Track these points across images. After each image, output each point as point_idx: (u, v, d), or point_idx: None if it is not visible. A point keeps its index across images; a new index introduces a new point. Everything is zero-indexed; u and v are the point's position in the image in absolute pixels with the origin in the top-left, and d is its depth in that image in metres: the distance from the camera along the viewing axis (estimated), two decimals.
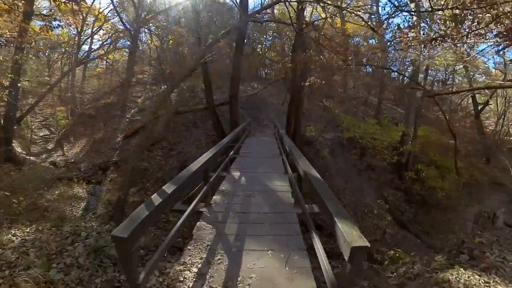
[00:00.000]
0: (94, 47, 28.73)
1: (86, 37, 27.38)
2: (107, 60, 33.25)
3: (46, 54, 26.13)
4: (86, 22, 26.27)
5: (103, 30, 28.52)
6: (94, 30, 27.60)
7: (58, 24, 12.17)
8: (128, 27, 24.32)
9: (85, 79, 30.40)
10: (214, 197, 5.13)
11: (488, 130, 24.79)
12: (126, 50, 29.70)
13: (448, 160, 16.68)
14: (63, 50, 28.32)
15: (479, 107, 22.38)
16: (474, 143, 21.44)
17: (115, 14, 23.94)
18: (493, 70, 23.04)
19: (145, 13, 24.39)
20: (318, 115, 19.15)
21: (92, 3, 25.42)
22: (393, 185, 17.29)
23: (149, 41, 31.67)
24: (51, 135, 20.54)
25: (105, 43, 28.43)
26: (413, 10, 7.68)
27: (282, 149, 9.05)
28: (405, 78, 20.92)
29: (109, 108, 23.87)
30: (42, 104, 21.98)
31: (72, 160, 16.85)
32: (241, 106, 16.91)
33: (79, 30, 26.14)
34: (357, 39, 25.56)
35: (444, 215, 15.98)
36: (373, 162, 16.89)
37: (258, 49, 26.27)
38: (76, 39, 26.02)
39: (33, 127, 20.16)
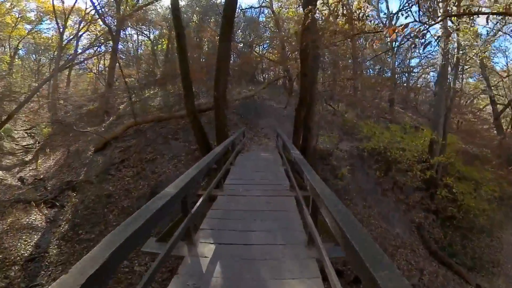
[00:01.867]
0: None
1: (69, 39, 23.63)
2: (99, 64, 29.53)
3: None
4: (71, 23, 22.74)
5: (91, 32, 24.48)
6: (79, 32, 23.53)
7: None
8: (113, 26, 20.18)
9: (69, 84, 26.80)
10: None
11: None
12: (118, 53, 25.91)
13: (475, 170, 12.98)
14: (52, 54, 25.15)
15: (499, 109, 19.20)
16: (491, 148, 17.38)
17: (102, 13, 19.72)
18: None
19: (124, 7, 20.46)
20: (327, 120, 14.94)
21: (75, 3, 21.63)
22: (424, 206, 13.11)
23: (137, 42, 28.25)
24: (34, 145, 17.59)
25: (92, 45, 24.20)
26: None
27: (292, 175, 5.03)
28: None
29: (91, 115, 20.76)
30: (28, 111, 19.69)
31: (42, 176, 13.69)
32: (234, 111, 12.76)
33: (61, 31, 22.36)
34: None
35: (482, 240, 12.20)
36: (400, 178, 12.69)
37: (256, 52, 22.10)
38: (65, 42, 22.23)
39: (17, 136, 18.23)
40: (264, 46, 23.34)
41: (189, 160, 10.43)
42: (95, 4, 18.91)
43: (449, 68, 14.41)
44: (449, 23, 14.56)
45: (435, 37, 13.00)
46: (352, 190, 11.32)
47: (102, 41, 24.01)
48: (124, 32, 25.52)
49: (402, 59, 24.16)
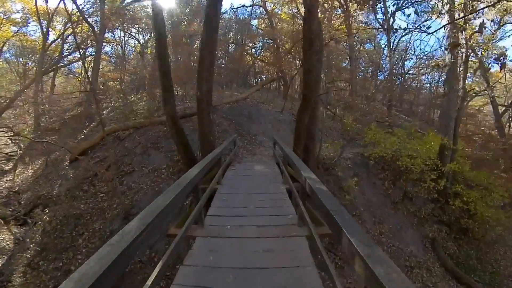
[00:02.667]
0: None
1: (54, 41, 21.66)
2: (88, 67, 27.44)
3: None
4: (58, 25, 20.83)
5: (78, 34, 22.51)
6: (65, 34, 21.61)
7: None
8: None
9: (53, 89, 24.70)
10: None
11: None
12: (108, 55, 24.20)
13: (481, 174, 11.27)
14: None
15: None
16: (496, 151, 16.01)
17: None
18: None
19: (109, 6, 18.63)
20: (325, 126, 13.31)
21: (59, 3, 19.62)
22: (436, 218, 11.60)
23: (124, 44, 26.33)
24: (19, 152, 15.84)
25: (78, 48, 22.18)
26: None
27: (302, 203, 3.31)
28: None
29: (75, 120, 18.70)
30: (14, 117, 18.37)
31: (17, 188, 12.08)
32: (224, 116, 11.02)
33: (44, 32, 20.41)
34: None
35: (497, 251, 11.01)
36: (409, 188, 11.13)
37: (248, 53, 20.42)
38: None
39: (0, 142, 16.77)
40: (257, 50, 21.77)
41: (170, 173, 8.66)
42: (77, 2, 17.01)
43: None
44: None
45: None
46: (359, 204, 9.69)
47: (89, 43, 22.12)
48: (113, 35, 23.85)
49: (395, 61, 22.93)
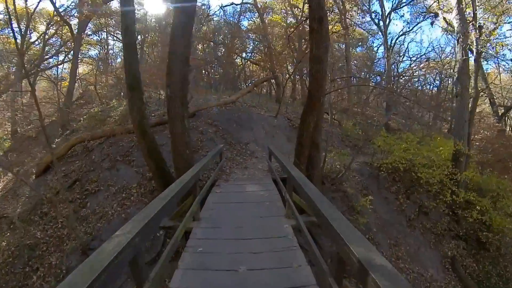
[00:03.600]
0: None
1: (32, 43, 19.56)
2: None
3: None
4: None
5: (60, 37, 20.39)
6: (46, 36, 19.49)
7: None
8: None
9: (34, 93, 22.16)
10: None
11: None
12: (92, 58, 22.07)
13: (491, 179, 9.73)
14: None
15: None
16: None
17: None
18: None
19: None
20: (325, 130, 11.65)
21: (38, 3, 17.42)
22: (452, 233, 10.01)
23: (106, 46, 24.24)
24: None
25: (58, 51, 20.10)
26: None
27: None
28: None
29: (53, 127, 16.56)
30: None
31: None
32: (210, 122, 9.17)
33: (22, 33, 18.19)
34: None
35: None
36: (424, 201, 9.55)
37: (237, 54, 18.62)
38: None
39: None
40: (248, 52, 20.01)
41: (141, 194, 6.79)
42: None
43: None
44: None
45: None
46: (372, 224, 7.96)
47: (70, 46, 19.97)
48: (98, 37, 21.81)
49: (393, 62, 21.67)
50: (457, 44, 11.17)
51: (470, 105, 11.33)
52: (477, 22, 11.90)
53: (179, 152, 4.88)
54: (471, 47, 11.71)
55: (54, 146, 13.05)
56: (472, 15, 11.93)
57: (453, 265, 8.78)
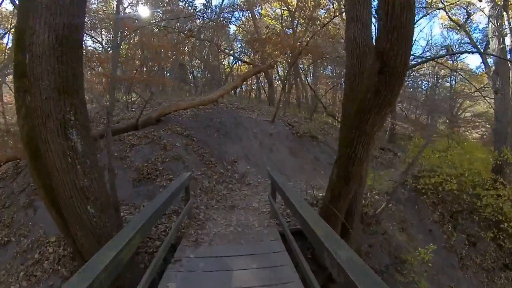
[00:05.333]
0: None
1: None
2: None
3: None
4: None
5: None
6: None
7: None
8: None
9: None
10: None
11: None
12: None
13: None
14: None
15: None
16: None
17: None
18: None
19: None
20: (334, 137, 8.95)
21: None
22: (500, 262, 7.45)
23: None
24: None
25: None
26: None
27: None
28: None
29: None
30: None
31: None
32: (179, 131, 6.14)
33: None
34: None
35: None
36: (471, 228, 6.95)
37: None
38: None
39: None
40: (236, 52, 17.21)
41: (58, 260, 3.88)
42: None
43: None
44: None
45: None
46: (419, 273, 5.21)
47: None
48: None
49: None
50: (490, 31, 8.79)
51: None
52: None
53: (71, 208, 2.04)
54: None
55: None
56: None
57: None
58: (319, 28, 9.28)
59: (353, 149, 2.39)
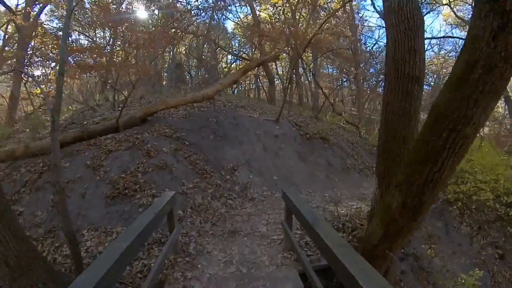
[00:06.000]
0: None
1: None
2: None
3: None
4: None
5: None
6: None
7: None
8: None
9: None
10: None
11: None
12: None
13: None
14: None
15: None
16: None
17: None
18: None
19: None
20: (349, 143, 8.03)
21: None
22: None
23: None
24: None
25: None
26: None
27: None
28: None
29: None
30: None
31: None
32: (168, 132, 5.16)
33: None
34: None
35: None
36: (495, 237, 5.98)
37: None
38: None
39: None
40: (234, 50, 16.28)
41: None
42: None
43: None
44: None
45: None
46: None
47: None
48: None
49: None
50: None
51: None
52: None
53: None
54: None
55: None
56: None
57: None
58: (332, 12, 8.43)
59: (438, 166, 1.45)
